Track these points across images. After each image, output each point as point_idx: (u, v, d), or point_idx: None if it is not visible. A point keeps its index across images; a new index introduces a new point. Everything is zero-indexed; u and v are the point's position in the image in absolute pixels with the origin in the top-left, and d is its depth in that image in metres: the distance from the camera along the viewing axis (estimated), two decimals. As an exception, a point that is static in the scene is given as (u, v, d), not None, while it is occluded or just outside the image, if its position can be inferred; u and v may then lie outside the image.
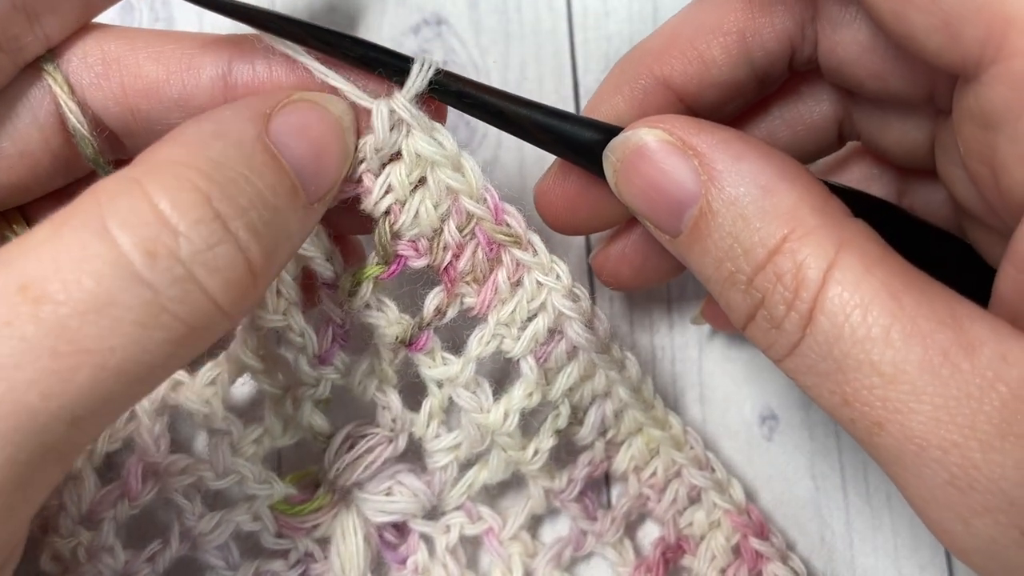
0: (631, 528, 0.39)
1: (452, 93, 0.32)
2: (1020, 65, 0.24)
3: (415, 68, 0.31)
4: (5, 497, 0.24)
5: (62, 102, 0.31)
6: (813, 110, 0.35)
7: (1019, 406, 0.24)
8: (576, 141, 0.32)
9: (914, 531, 0.40)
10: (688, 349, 0.42)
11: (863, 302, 0.26)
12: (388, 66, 0.32)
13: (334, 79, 0.32)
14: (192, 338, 0.26)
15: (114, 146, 0.33)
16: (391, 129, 0.32)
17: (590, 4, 0.45)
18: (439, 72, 0.32)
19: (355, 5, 0.45)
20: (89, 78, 0.32)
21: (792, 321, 0.27)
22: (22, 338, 0.24)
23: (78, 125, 0.32)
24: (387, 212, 0.33)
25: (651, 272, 0.36)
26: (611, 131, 0.31)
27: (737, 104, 0.34)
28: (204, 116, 0.29)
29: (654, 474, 0.38)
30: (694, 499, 0.38)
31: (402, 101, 0.31)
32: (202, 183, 0.26)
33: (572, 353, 0.35)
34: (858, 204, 0.30)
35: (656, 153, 0.30)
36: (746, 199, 0.28)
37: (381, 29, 0.45)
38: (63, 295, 0.24)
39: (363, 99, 0.32)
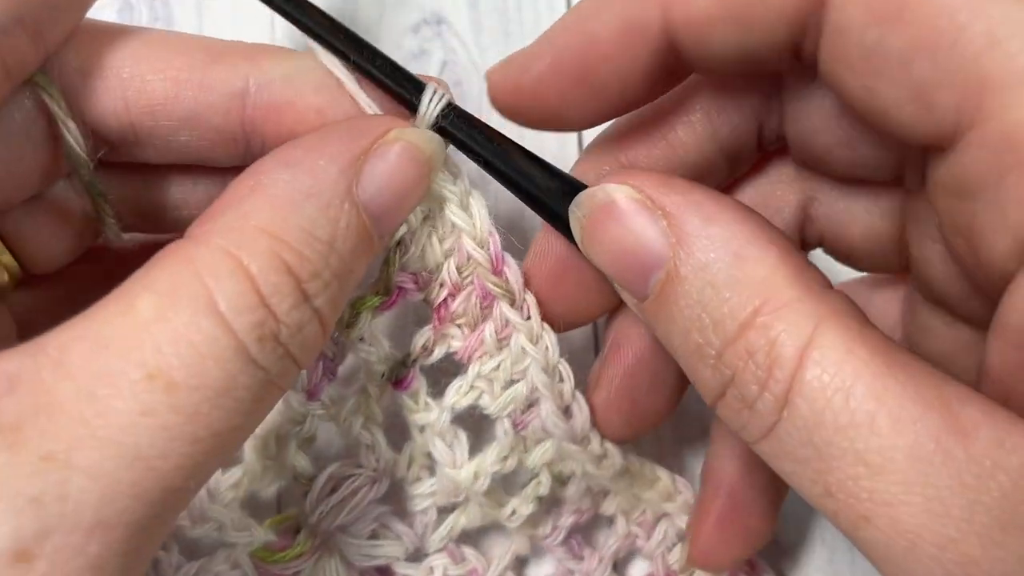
0: (620, 565, 0.39)
1: (454, 137, 0.31)
2: (997, 127, 0.23)
3: (425, 100, 0.30)
4: (140, 569, 0.26)
5: (59, 121, 0.30)
6: (777, 191, 0.34)
7: (1021, 496, 0.23)
8: (543, 192, 0.31)
9: (915, 532, 0.40)
10: (688, 349, 0.42)
11: (845, 385, 0.24)
12: (398, 88, 0.31)
13: (364, 103, 0.31)
14: (281, 396, 0.28)
15: (107, 151, 0.32)
16: None
17: (590, 4, 0.45)
18: (449, 106, 0.31)
19: (355, 5, 0.45)
20: (87, 91, 0.30)
21: (766, 403, 0.25)
22: (164, 427, 0.24)
23: (74, 146, 0.30)
24: (399, 243, 0.32)
25: (646, 414, 0.35)
26: (576, 186, 0.30)
27: (708, 185, 0.32)
28: (295, 160, 0.28)
29: (643, 513, 0.37)
30: (682, 536, 0.38)
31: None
32: (294, 263, 0.27)
33: (547, 432, 0.34)
34: None
35: (623, 211, 0.28)
36: (716, 265, 0.26)
37: (381, 29, 0.45)
38: (194, 381, 0.25)
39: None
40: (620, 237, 0.28)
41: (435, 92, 0.31)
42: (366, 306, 0.33)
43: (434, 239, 0.32)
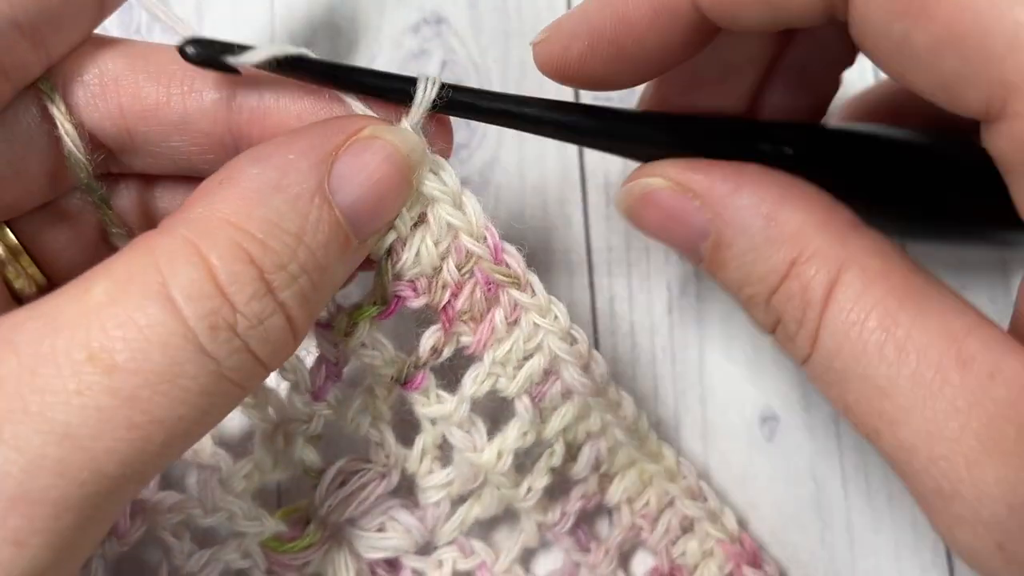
0: (624, 559, 0.39)
1: (460, 106, 0.31)
2: (1021, 127, 0.24)
3: (419, 91, 0.30)
4: (73, 556, 0.25)
5: (59, 124, 0.30)
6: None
7: (1004, 424, 0.25)
8: (579, 129, 0.33)
9: (916, 532, 0.40)
10: (688, 349, 0.42)
11: (860, 319, 0.27)
12: (392, 91, 0.31)
13: (352, 103, 0.31)
14: (242, 396, 0.27)
15: (108, 160, 0.33)
16: None
17: (590, 3, 0.45)
18: (444, 88, 0.31)
19: (355, 4, 0.45)
20: (86, 97, 0.31)
21: (802, 337, 0.29)
22: (97, 408, 0.24)
23: (74, 150, 0.31)
24: (389, 251, 0.32)
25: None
26: (612, 114, 0.33)
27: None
28: (266, 154, 0.28)
29: (647, 504, 0.38)
30: (687, 528, 0.38)
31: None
32: (257, 252, 0.26)
33: (567, 394, 0.34)
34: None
35: (660, 200, 0.31)
36: (752, 230, 0.29)
37: (381, 28, 0.45)
38: (133, 365, 0.24)
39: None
40: (663, 220, 0.31)
41: (427, 79, 0.30)
42: (363, 316, 0.33)
43: (428, 242, 0.32)
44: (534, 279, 0.33)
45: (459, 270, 0.32)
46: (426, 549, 0.37)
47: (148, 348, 0.24)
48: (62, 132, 0.30)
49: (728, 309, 0.42)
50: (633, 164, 0.33)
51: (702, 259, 0.31)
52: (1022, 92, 0.24)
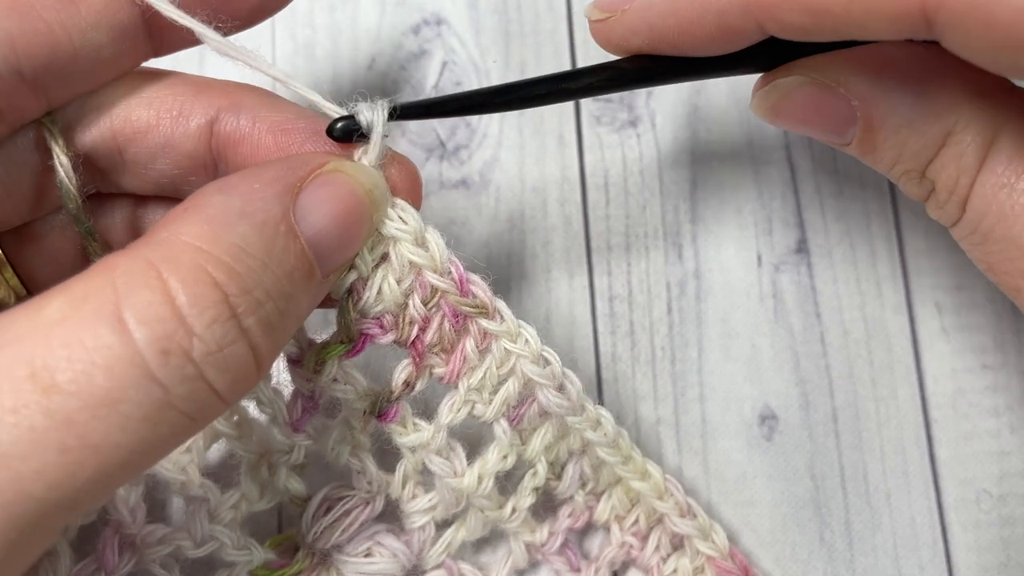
0: None
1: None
2: None
3: (374, 136, 0.31)
4: None
5: (55, 157, 0.31)
6: None
7: None
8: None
9: (914, 531, 0.40)
10: (688, 349, 0.42)
11: (1009, 181, 0.29)
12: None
13: (327, 107, 0.31)
14: (195, 428, 0.26)
15: (98, 180, 0.33)
16: None
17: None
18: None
19: (355, 5, 0.45)
20: (81, 120, 0.31)
21: (953, 203, 0.30)
22: (30, 428, 0.23)
23: (66, 181, 0.31)
24: (350, 291, 0.32)
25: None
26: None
27: None
28: (232, 184, 0.28)
29: (636, 522, 0.38)
30: (677, 545, 0.38)
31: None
32: (221, 277, 0.25)
33: (544, 415, 0.35)
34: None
35: (804, 95, 0.31)
36: (902, 108, 0.30)
37: (381, 29, 0.45)
38: (74, 387, 0.23)
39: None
40: (807, 113, 0.32)
41: (369, 107, 0.31)
42: (331, 354, 0.33)
43: (390, 279, 0.32)
44: (502, 305, 0.33)
45: (425, 305, 0.32)
46: (414, 573, 0.37)
47: (92, 370, 0.23)
48: (57, 164, 0.31)
49: (728, 309, 0.42)
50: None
51: (847, 143, 0.32)
52: None
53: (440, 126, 0.44)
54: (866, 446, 0.41)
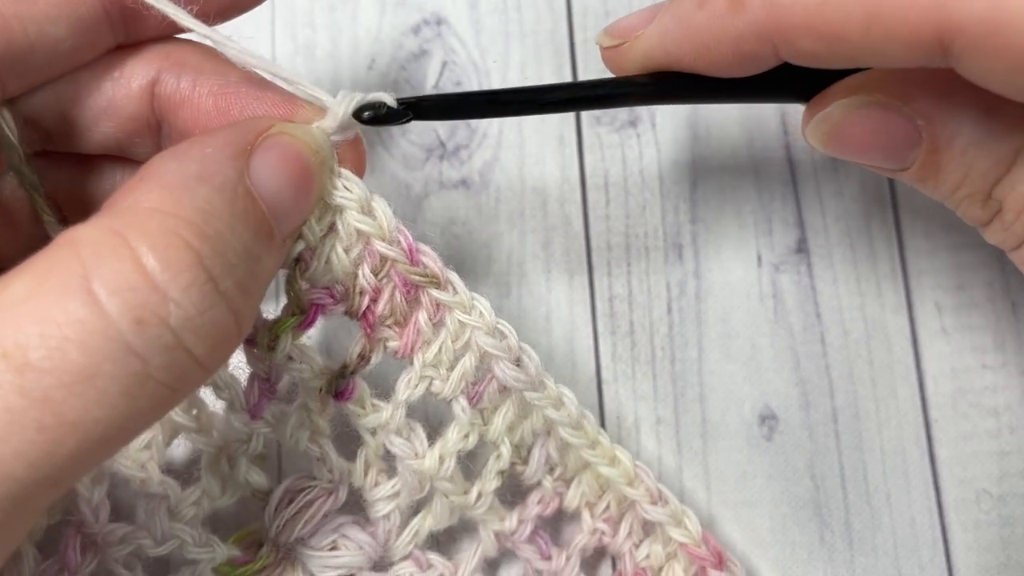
0: (590, 565, 0.38)
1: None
2: None
3: (340, 103, 0.31)
4: None
5: (10, 142, 0.31)
6: None
7: None
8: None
9: (914, 531, 0.40)
10: (688, 349, 0.42)
11: None
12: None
13: (285, 81, 0.31)
14: (175, 399, 0.25)
15: (45, 142, 0.33)
16: None
17: (590, 4, 0.45)
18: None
19: (355, 5, 0.45)
20: (23, 84, 0.31)
21: (1021, 223, 0.29)
22: (6, 409, 0.23)
23: (8, 133, 0.31)
24: (298, 260, 0.32)
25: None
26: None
27: None
28: (183, 150, 0.28)
29: (607, 508, 0.37)
30: (649, 532, 0.37)
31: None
32: (193, 239, 0.25)
33: (504, 391, 0.34)
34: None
35: (865, 115, 0.30)
36: (970, 126, 0.29)
37: (381, 29, 0.45)
38: (48, 364, 0.23)
39: (320, 100, 0.31)
40: (868, 135, 0.31)
41: (346, 99, 0.31)
42: (283, 327, 0.32)
43: (338, 249, 0.32)
44: (454, 276, 0.33)
45: (375, 275, 0.32)
46: (382, 565, 0.37)
47: (65, 346, 0.23)
48: (13, 153, 0.30)
49: (728, 309, 0.42)
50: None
51: (907, 168, 0.31)
52: None
53: (440, 126, 0.44)
54: (866, 446, 0.41)
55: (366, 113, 0.31)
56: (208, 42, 0.30)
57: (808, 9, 0.27)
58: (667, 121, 0.44)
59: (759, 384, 0.41)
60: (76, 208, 0.34)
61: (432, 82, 0.45)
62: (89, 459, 0.24)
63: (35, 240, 0.33)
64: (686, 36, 0.30)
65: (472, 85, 0.45)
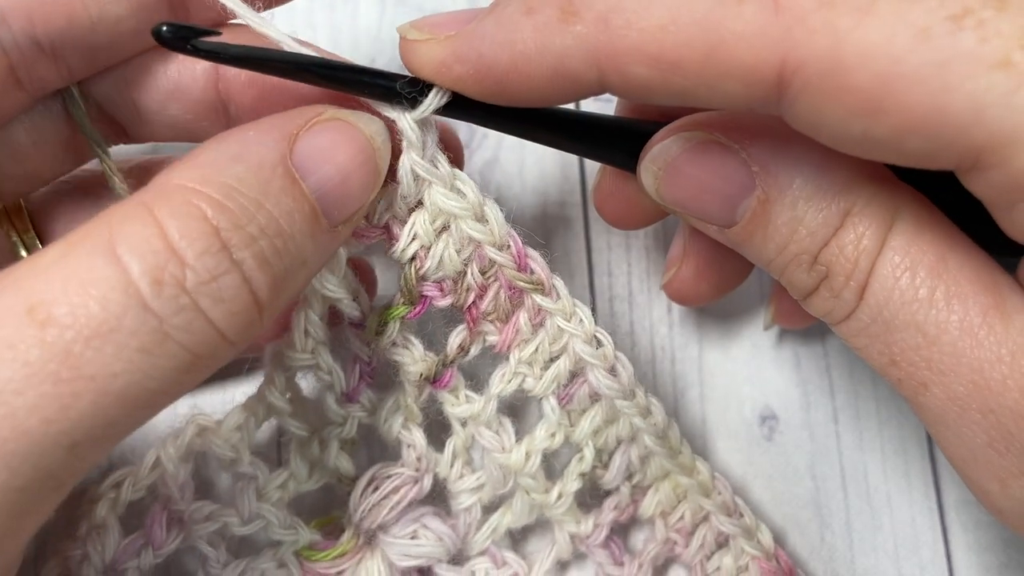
0: (658, 573, 0.39)
1: (474, 111, 0.30)
2: (999, 176, 0.24)
3: (432, 96, 0.30)
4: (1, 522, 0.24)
5: (83, 129, 0.32)
6: None
7: None
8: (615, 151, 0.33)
9: (915, 531, 0.40)
10: (688, 349, 0.42)
11: (912, 264, 0.27)
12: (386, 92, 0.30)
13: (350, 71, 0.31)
14: (197, 366, 0.26)
15: (118, 133, 0.34)
16: (415, 179, 0.32)
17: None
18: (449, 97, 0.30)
19: (355, 5, 0.45)
20: (89, 65, 0.32)
21: (850, 290, 0.28)
22: (25, 362, 0.23)
23: (100, 153, 0.32)
24: (413, 258, 0.33)
25: (729, 278, 0.36)
26: (635, 130, 0.32)
27: None
28: (231, 134, 0.28)
29: (681, 518, 0.37)
30: (722, 544, 0.37)
31: (415, 158, 0.31)
32: (211, 211, 0.26)
33: (595, 397, 0.35)
34: None
35: (702, 155, 0.29)
36: (803, 180, 0.28)
37: (381, 29, 0.45)
38: (69, 319, 0.24)
39: (386, 110, 0.31)
40: (701, 178, 0.30)
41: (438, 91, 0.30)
42: (393, 315, 0.34)
43: (451, 250, 0.33)
44: (559, 283, 0.33)
45: (483, 274, 0.33)
46: (458, 559, 0.37)
47: (87, 302, 0.24)
48: (88, 134, 0.32)
49: (728, 309, 0.42)
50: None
51: (734, 222, 0.29)
52: (992, 150, 0.24)
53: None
54: (867, 446, 0.41)
55: (164, 28, 0.29)
56: (264, 31, 0.30)
57: (645, 33, 0.25)
58: (667, 121, 0.44)
59: (760, 384, 0.41)
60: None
61: (432, 82, 0.44)
62: (107, 418, 0.24)
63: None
64: (506, 42, 0.28)
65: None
